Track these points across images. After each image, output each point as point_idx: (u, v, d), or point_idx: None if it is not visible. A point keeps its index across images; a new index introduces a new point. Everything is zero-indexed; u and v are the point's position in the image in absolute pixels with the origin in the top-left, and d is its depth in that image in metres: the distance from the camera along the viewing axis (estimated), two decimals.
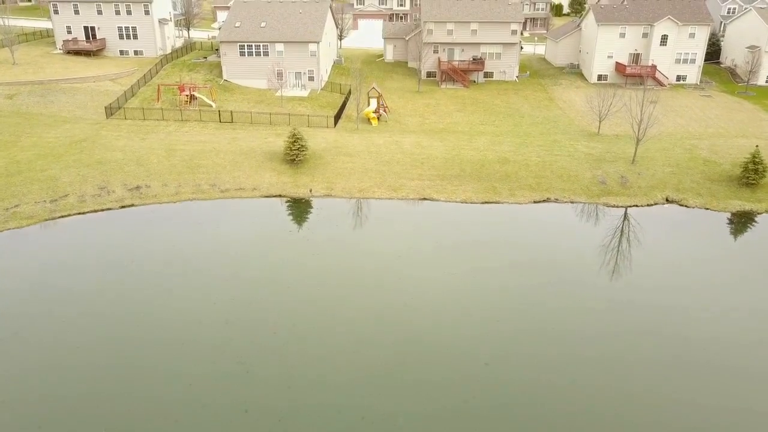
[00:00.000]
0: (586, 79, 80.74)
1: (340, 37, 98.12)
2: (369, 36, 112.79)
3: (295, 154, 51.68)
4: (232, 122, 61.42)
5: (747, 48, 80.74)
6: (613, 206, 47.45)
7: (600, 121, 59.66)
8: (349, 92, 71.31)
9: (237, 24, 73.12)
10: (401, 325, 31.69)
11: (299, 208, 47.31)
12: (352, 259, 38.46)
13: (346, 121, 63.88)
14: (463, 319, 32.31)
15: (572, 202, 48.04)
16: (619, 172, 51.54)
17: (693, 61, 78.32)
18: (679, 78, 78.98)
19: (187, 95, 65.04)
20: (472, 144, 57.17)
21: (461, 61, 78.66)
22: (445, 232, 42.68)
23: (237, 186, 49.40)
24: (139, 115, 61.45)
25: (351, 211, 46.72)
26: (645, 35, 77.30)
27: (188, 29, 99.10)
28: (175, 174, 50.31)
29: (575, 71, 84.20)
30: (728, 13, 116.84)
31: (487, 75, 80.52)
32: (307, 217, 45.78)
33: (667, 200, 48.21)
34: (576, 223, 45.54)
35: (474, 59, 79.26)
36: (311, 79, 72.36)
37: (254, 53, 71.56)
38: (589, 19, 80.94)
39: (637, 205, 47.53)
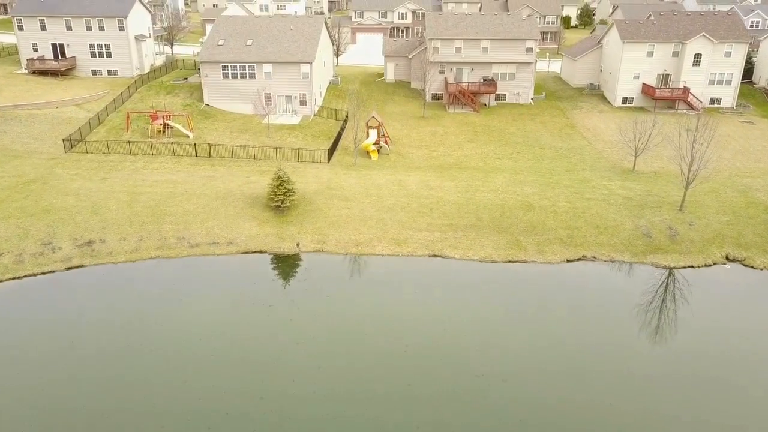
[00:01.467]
0: (609, 102, 72.79)
1: (337, 54, 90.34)
2: (368, 52, 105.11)
3: (280, 200, 43.51)
4: (209, 157, 53.28)
5: None
6: (664, 267, 39.18)
7: (636, 156, 51.56)
8: (346, 119, 63.35)
9: (220, 42, 65.21)
10: None
11: (283, 269, 39.06)
12: (347, 353, 30.09)
13: (342, 153, 55.78)
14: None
15: (613, 261, 39.77)
16: (665, 221, 43.36)
17: (729, 82, 70.47)
18: (713, 101, 71.09)
19: (160, 124, 56.98)
20: (488, 184, 49.04)
21: (471, 82, 70.72)
22: (463, 305, 34.41)
23: (210, 239, 41.17)
24: (103, 148, 53.32)
25: (346, 272, 38.51)
26: (675, 54, 69.44)
27: (171, 45, 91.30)
28: (137, 225, 42.11)
29: (596, 92, 76.30)
30: (752, 27, 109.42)
31: (499, 97, 72.62)
32: (292, 282, 37.47)
33: (727, 259, 39.99)
34: (621, 289, 37.21)
35: (485, 80, 71.37)
36: (303, 103, 64.36)
37: (239, 75, 63.61)
38: (612, 36, 73.09)
39: (692, 266, 39.27)
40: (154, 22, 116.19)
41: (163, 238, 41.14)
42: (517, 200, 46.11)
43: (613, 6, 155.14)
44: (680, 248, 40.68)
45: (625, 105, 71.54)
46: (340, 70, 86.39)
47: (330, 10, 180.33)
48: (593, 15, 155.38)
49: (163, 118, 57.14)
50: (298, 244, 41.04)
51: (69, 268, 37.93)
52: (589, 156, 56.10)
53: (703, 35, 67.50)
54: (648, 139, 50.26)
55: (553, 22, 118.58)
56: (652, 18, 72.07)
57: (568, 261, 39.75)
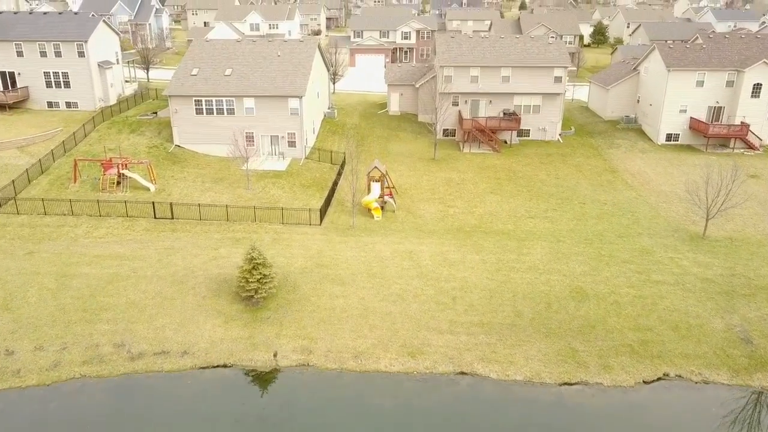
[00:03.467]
0: (651, 139, 62.41)
1: (333, 80, 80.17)
2: (368, 77, 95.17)
3: (253, 289, 32.83)
4: (172, 219, 42.66)
5: None
6: None
7: (708, 219, 40.99)
8: (344, 162, 52.91)
9: (194, 71, 54.92)
10: None
11: (253, 398, 28.25)
12: None
13: (337, 210, 45.22)
14: None
15: (706, 383, 29.03)
16: (765, 317, 32.66)
17: None
18: None
19: (114, 174, 46.44)
20: (524, 258, 38.39)
21: (489, 117, 60.33)
22: None
23: (158, 346, 30.46)
24: (38, 207, 42.68)
25: (341, 406, 27.64)
26: (730, 84, 59.17)
27: (147, 70, 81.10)
28: (62, 325, 31.43)
29: (633, 126, 65.96)
30: None
31: (522, 133, 62.28)
32: (263, 426, 26.61)
33: None
34: (726, 429, 26.45)
35: (506, 114, 61.04)
36: (292, 144, 53.91)
37: (215, 111, 53.22)
38: (653, 62, 62.86)
39: None
40: (135, 43, 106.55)
41: (94, 344, 30.44)
42: (564, 284, 35.40)
43: (628, 23, 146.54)
44: None
45: (669, 143, 61.17)
46: (337, 98, 76.20)
47: (328, 27, 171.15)
48: (606, 33, 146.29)
49: (118, 167, 46.61)
50: (275, 355, 30.31)
51: None
52: (643, 214, 45.49)
53: (764, 62, 57.31)
54: (725, 198, 39.69)
55: (570, 42, 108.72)
56: (700, 41, 61.92)
57: (644, 382, 28.99)
